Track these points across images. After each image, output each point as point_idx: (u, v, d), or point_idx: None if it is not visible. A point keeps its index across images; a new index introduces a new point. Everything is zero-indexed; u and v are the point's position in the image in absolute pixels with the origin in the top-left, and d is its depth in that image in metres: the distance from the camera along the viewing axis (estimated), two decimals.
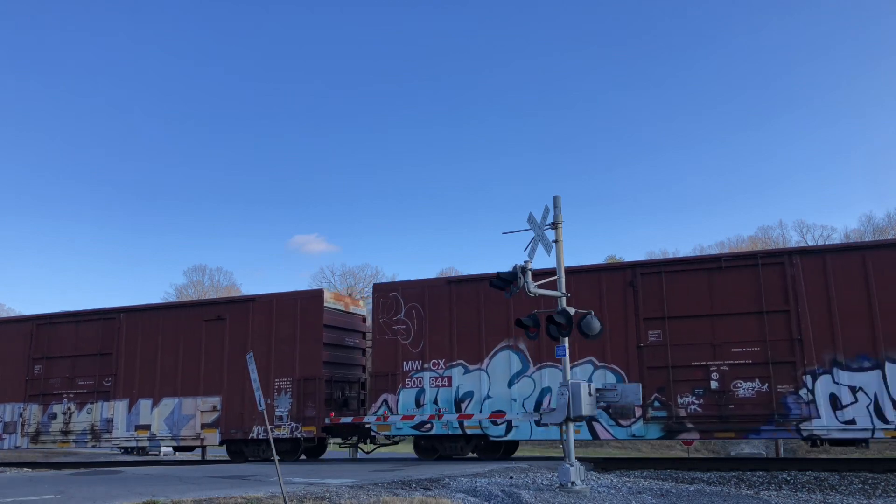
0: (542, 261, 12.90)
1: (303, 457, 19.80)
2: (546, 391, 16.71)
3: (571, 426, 12.09)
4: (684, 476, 13.81)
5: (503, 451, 18.30)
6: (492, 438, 17.01)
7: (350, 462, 17.07)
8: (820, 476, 13.20)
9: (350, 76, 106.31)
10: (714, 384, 15.47)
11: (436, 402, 17.55)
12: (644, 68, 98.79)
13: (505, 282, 12.21)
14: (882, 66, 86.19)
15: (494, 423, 16.90)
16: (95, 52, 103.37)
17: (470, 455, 17.67)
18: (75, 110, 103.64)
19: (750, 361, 15.30)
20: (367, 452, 19.56)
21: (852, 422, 14.49)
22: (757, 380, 15.21)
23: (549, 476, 13.16)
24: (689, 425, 15.58)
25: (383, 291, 18.75)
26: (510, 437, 16.87)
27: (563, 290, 12.55)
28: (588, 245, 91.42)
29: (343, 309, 20.27)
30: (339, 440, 19.77)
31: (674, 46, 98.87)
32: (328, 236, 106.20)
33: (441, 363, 17.73)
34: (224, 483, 12.09)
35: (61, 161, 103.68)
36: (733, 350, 15.48)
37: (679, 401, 15.69)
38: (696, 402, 15.57)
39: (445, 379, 17.61)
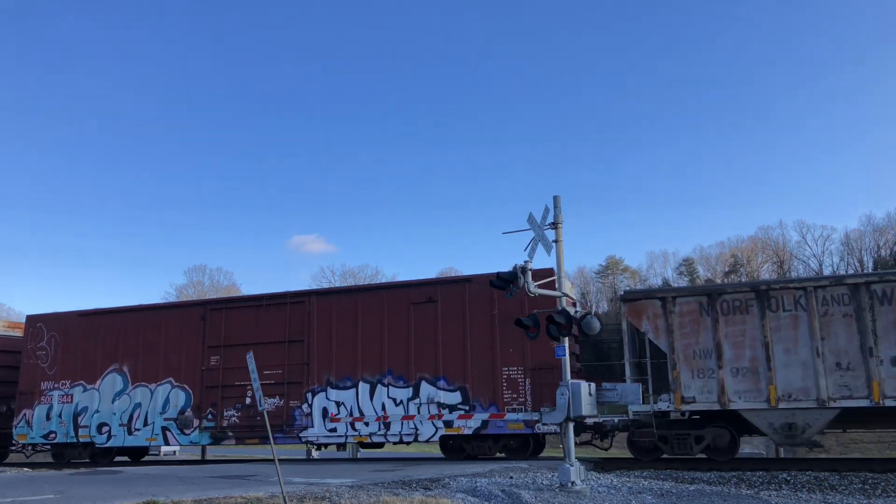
0: (542, 261, 13.16)
1: None
2: (137, 406, 20.44)
3: (571, 426, 12.32)
4: (684, 476, 13.81)
5: (125, 455, 22.02)
6: (97, 445, 20.68)
7: (350, 462, 18.61)
8: (820, 476, 13.19)
9: (350, 76, 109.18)
10: (248, 400, 19.28)
11: (60, 415, 21.20)
12: (646, 71, 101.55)
13: (505, 282, 12.24)
14: (882, 66, 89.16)
15: (99, 432, 20.60)
16: (98, 53, 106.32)
17: (87, 459, 21.28)
18: (76, 110, 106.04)
19: (274, 381, 19.11)
20: (28, 457, 23.11)
21: (335, 430, 18.36)
22: (277, 396, 19.04)
23: (550, 476, 13.16)
24: (230, 433, 19.39)
25: (32, 322, 22.31)
26: (109, 444, 20.54)
27: (563, 290, 12.74)
28: (589, 245, 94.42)
29: (21, 335, 23.78)
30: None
31: (676, 48, 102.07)
32: (328, 236, 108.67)
33: (68, 383, 21.38)
34: (224, 483, 12.30)
35: (62, 161, 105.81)
36: (265, 372, 19.22)
37: (225, 414, 19.49)
38: (236, 414, 19.37)
39: (69, 396, 21.26)
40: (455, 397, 17.39)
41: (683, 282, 67.23)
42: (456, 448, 17.58)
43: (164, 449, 28.64)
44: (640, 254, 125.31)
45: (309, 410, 18.62)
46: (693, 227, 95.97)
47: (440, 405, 17.42)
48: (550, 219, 12.65)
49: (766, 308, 15.40)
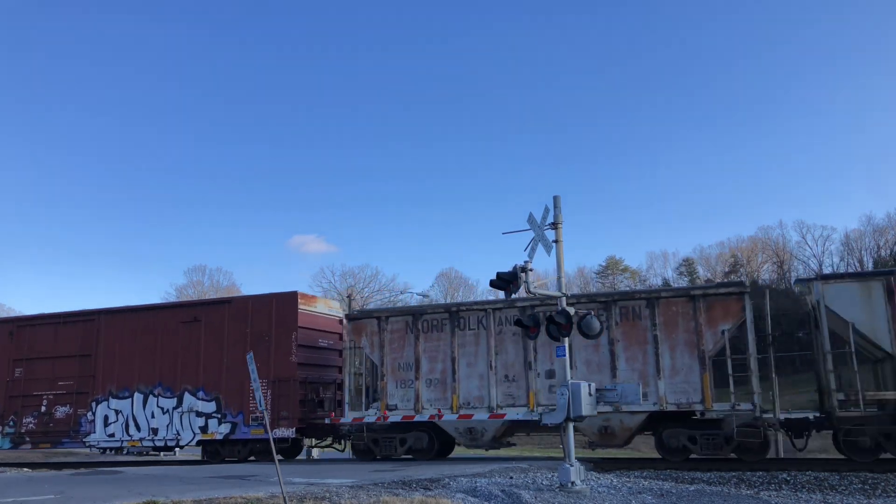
0: (543, 261, 14.69)
1: None
2: None
3: (571, 426, 12.22)
4: (684, 476, 13.84)
5: None
6: None
7: (350, 462, 18.80)
8: (820, 476, 13.21)
9: (350, 76, 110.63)
10: (44, 408, 21.28)
11: None
12: (646, 70, 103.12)
13: (505, 282, 12.09)
14: (882, 65, 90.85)
15: None
16: (98, 53, 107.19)
17: None
18: (75, 110, 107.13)
19: (66, 392, 21.12)
20: None
21: (113, 435, 20.41)
22: (68, 405, 21.04)
23: (550, 476, 13.21)
24: (27, 438, 21.38)
25: None
26: None
27: (563, 290, 12.66)
28: (589, 245, 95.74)
29: None
30: None
31: (678, 48, 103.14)
32: (328, 236, 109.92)
33: None
34: (224, 483, 12.31)
35: (62, 161, 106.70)
36: (59, 383, 21.28)
37: (24, 421, 21.48)
38: (33, 421, 21.36)
39: None
40: (211, 406, 19.46)
41: (683, 282, 67.46)
42: (213, 452, 19.65)
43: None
44: (640, 254, 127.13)
45: (93, 418, 20.63)
46: (693, 227, 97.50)
47: (199, 413, 19.50)
48: (550, 219, 12.66)
49: (456, 327, 17.57)
